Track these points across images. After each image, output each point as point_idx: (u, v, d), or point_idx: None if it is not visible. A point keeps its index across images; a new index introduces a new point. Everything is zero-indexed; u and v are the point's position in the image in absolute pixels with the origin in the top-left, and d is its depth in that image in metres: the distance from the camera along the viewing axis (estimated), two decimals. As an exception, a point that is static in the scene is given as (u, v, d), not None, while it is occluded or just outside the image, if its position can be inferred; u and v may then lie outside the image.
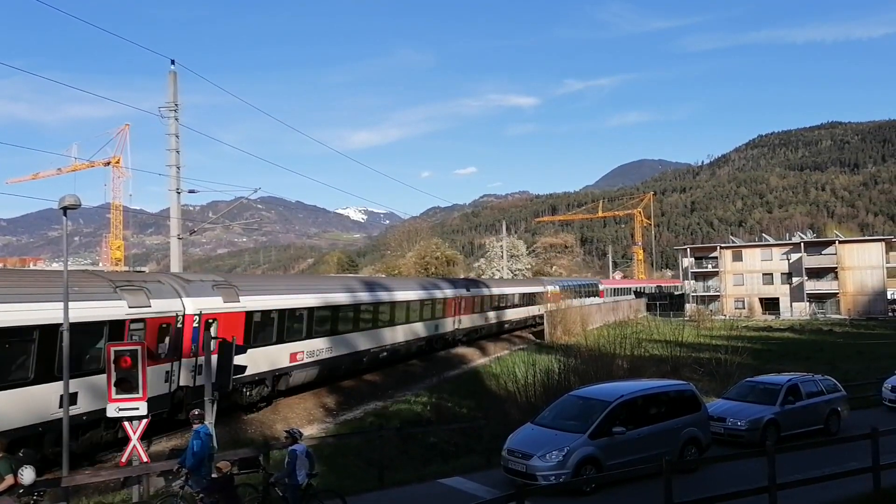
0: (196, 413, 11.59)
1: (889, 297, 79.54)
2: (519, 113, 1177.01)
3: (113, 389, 12.11)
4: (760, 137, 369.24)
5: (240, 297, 20.48)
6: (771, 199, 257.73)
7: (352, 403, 25.96)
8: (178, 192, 25.86)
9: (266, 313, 21.81)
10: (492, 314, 45.91)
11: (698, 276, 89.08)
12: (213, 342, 14.48)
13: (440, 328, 36.92)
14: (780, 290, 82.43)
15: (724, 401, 18.15)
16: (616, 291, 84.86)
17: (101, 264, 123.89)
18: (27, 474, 8.87)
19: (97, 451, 16.19)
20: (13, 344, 13.75)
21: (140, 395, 12.17)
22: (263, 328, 21.56)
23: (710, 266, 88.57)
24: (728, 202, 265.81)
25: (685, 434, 14.05)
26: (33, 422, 13.72)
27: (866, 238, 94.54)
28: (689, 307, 76.84)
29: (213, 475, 10.57)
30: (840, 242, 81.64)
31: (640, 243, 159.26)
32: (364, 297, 28.90)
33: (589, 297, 66.75)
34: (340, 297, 26.78)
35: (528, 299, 54.04)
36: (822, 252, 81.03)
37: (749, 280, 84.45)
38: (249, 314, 20.73)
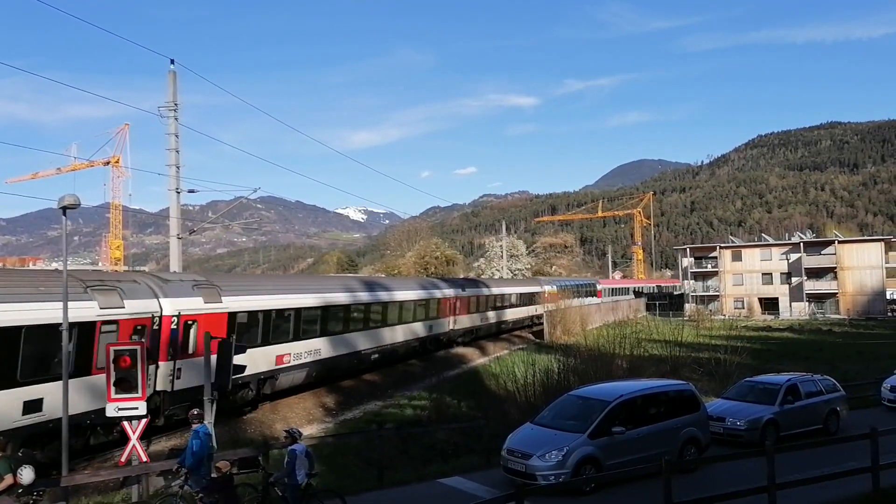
0: (195, 413, 11.59)
1: (888, 297, 79.59)
2: (519, 113, 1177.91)
3: (112, 389, 12.13)
4: (760, 137, 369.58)
5: (222, 298, 19.81)
6: (770, 199, 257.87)
7: (351, 403, 25.97)
8: (178, 192, 25.85)
9: (251, 314, 21.14)
10: (489, 314, 45.41)
11: (698, 276, 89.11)
12: (212, 342, 14.43)
13: (435, 329, 36.32)
14: (780, 290, 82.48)
15: (723, 401, 18.15)
16: (614, 291, 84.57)
17: (100, 264, 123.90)
18: (26, 474, 8.87)
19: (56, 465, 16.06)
20: None
21: (139, 394, 12.18)
22: (248, 330, 20.86)
23: (709, 266, 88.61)
24: (727, 202, 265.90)
25: (684, 434, 14.05)
26: None
27: (865, 238, 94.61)
28: (689, 307, 76.85)
29: (213, 475, 10.58)
30: (839, 242, 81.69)
31: (639, 243, 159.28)
32: (355, 297, 28.20)
33: (587, 297, 66.30)
34: (330, 298, 26.11)
35: (526, 299, 53.61)
36: (822, 252, 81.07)
37: (748, 280, 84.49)
38: (232, 315, 20.06)
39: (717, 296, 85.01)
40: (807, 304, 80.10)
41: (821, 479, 11.84)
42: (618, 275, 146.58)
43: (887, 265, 78.52)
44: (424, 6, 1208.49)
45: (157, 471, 12.63)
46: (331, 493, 11.38)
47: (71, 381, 13.45)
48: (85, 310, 15.34)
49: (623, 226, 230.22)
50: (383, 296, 30.68)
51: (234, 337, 18.99)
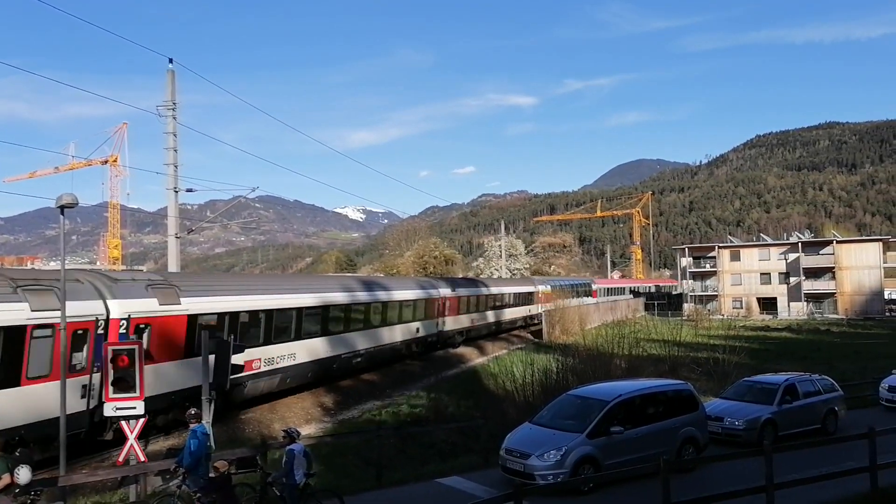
0: (193, 412, 11.58)
1: (886, 296, 79.70)
2: (518, 112, 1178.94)
3: (110, 388, 12.12)
4: (758, 137, 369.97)
5: (181, 299, 18.34)
6: (769, 199, 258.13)
7: (350, 403, 25.95)
8: (176, 191, 25.82)
9: (214, 317, 19.66)
10: (481, 315, 44.36)
11: (696, 276, 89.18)
12: (210, 342, 14.41)
13: (424, 330, 34.95)
14: (778, 290, 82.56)
15: (721, 400, 18.16)
16: (610, 291, 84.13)
17: (98, 263, 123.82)
18: (23, 474, 8.85)
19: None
20: None
21: (137, 394, 12.17)
22: (212, 334, 19.51)
23: (708, 266, 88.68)
24: (726, 202, 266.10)
25: (683, 433, 14.06)
26: None
27: (864, 238, 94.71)
28: (687, 307, 76.93)
29: (211, 475, 10.56)
30: (837, 242, 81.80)
31: (638, 243, 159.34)
32: (333, 298, 26.60)
33: (581, 297, 65.43)
34: (305, 299, 24.50)
35: (520, 299, 52.59)
36: (820, 252, 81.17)
37: (747, 280, 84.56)
38: (193, 318, 18.56)
39: (716, 295, 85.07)
40: (805, 303, 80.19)
41: (819, 478, 11.85)
42: (616, 274, 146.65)
43: (885, 265, 78.62)
44: (424, 6, 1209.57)
45: (154, 470, 12.60)
46: (329, 493, 11.36)
47: None
48: (13, 312, 14.07)
49: (622, 226, 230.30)
50: (367, 296, 29.43)
51: (196, 342, 17.73)
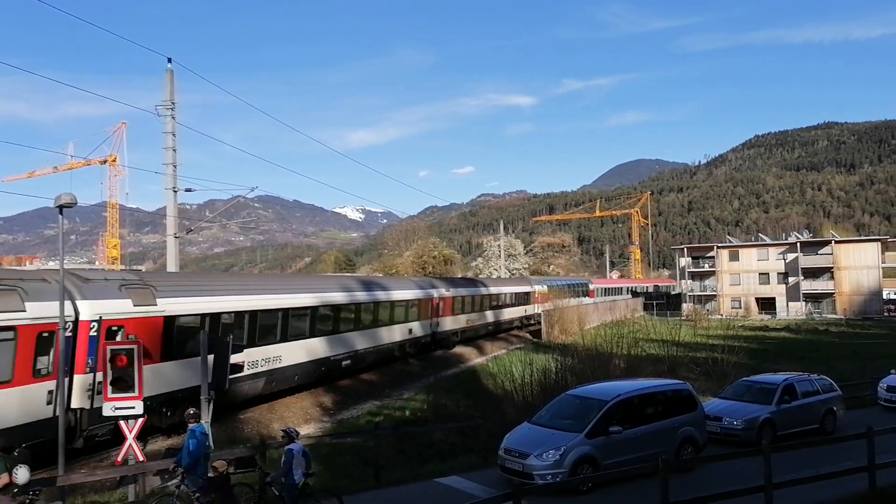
0: (192, 412, 11.57)
1: (885, 296, 79.80)
2: (517, 112, 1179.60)
3: (109, 388, 12.12)
4: (757, 137, 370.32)
5: (157, 300, 17.51)
6: (767, 199, 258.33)
7: (349, 403, 25.95)
8: (175, 191, 25.81)
9: (194, 318, 18.91)
10: (475, 315, 43.63)
11: (695, 276, 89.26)
12: (208, 342, 14.41)
13: (415, 331, 34.17)
14: (777, 290, 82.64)
15: (720, 400, 18.18)
16: (607, 291, 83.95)
17: (97, 263, 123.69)
18: (21, 473, 8.83)
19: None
20: None
21: (136, 393, 12.17)
22: (191, 335, 18.38)
23: (706, 266, 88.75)
24: (725, 202, 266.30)
25: (681, 433, 14.07)
26: None
27: (862, 238, 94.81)
28: (686, 307, 76.98)
29: (210, 474, 10.56)
30: (836, 242, 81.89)
31: (637, 243, 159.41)
32: (322, 298, 25.78)
33: (578, 297, 65.01)
34: (292, 299, 23.74)
35: (516, 299, 51.94)
36: (819, 252, 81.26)
37: (745, 280, 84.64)
38: (170, 319, 17.76)
39: (715, 295, 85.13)
40: (803, 303, 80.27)
41: (817, 478, 11.86)
42: (615, 274, 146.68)
43: (884, 265, 78.74)
44: (424, 6, 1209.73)
45: (153, 470, 12.60)
46: (328, 493, 11.36)
47: None
48: None
49: (621, 225, 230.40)
50: (358, 296, 28.69)
51: (174, 344, 17.52)
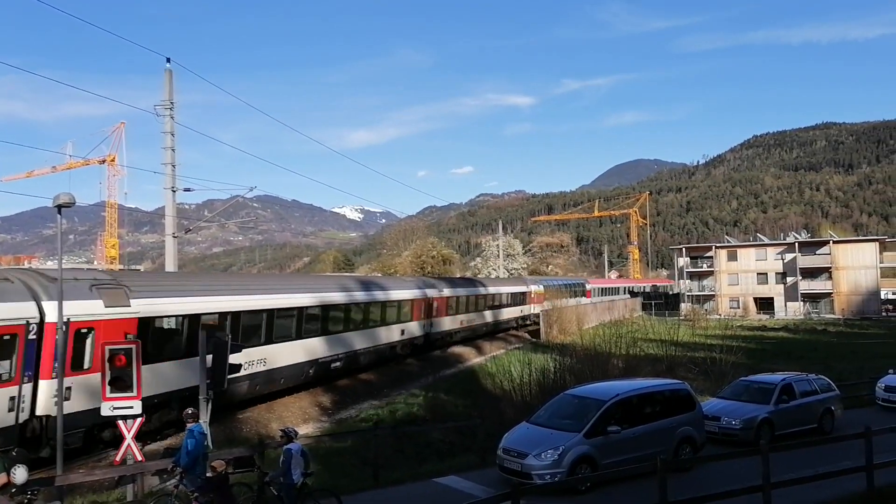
0: (190, 412, 11.57)
1: (882, 296, 79.91)
2: (516, 112, 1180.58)
3: (107, 388, 12.12)
4: (755, 138, 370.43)
5: (132, 301, 16.73)
6: (766, 199, 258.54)
7: (347, 402, 25.94)
8: (174, 191, 25.80)
9: (171, 320, 18.19)
10: (470, 316, 42.83)
11: (693, 276, 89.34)
12: (207, 343, 14.39)
13: (408, 332, 33.39)
14: (775, 290, 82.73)
15: (718, 400, 18.20)
16: (604, 291, 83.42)
17: (96, 263, 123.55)
18: (19, 473, 8.83)
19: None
20: None
21: (134, 393, 12.16)
22: (168, 338, 18.02)
23: (705, 266, 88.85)
24: (723, 202, 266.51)
25: (680, 433, 14.09)
26: None
27: (860, 238, 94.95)
28: (685, 306, 77.04)
29: (208, 474, 10.55)
30: (834, 242, 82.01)
31: (635, 243, 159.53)
32: (310, 298, 24.91)
33: (575, 297, 64.49)
34: (278, 300, 23.02)
35: (512, 299, 51.27)
36: (817, 252, 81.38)
37: (744, 280, 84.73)
38: (145, 321, 17.00)
39: (713, 295, 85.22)
40: (802, 303, 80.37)
41: (815, 478, 11.88)
42: (614, 274, 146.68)
43: (882, 265, 78.88)
44: (423, 6, 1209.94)
45: (152, 470, 12.59)
46: (326, 493, 11.36)
47: None
48: None
49: (619, 225, 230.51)
50: (348, 297, 27.97)
51: (149, 347, 16.11)
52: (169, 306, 18.09)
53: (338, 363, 26.62)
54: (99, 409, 12.61)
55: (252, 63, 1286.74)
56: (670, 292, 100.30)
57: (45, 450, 14.86)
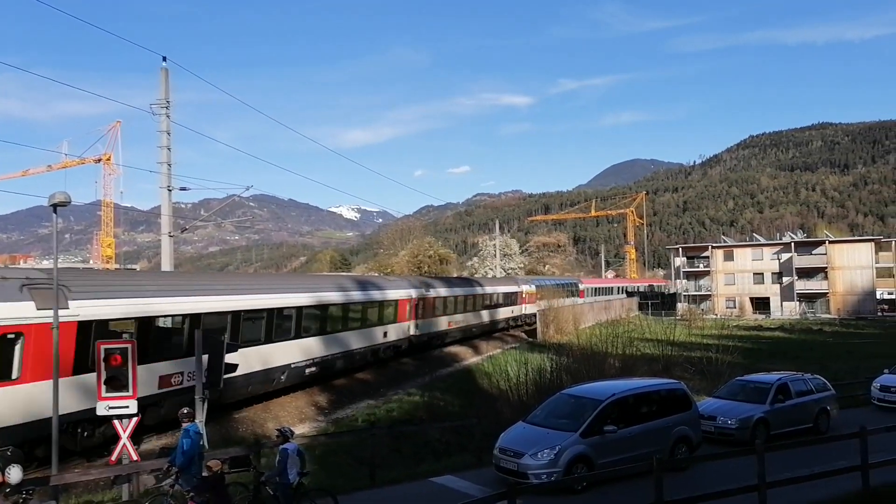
0: (185, 411, 11.54)
1: (878, 296, 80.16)
2: (513, 112, 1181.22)
3: (103, 388, 12.09)
4: (752, 138, 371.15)
5: (70, 302, 15.11)
6: (762, 200, 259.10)
7: (343, 402, 25.91)
8: (170, 190, 25.74)
9: (120, 323, 16.61)
10: (457, 317, 41.13)
11: (690, 276, 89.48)
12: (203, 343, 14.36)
13: (390, 335, 31.91)
14: (771, 290, 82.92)
15: (714, 399, 18.24)
16: (598, 291, 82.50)
17: (91, 262, 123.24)
18: (14, 473, 8.80)
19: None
20: None
21: (130, 393, 12.15)
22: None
23: (701, 266, 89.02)
24: (719, 202, 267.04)
25: (676, 433, 14.11)
26: None
27: (856, 238, 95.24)
28: (681, 306, 77.15)
29: (204, 474, 10.53)
30: (830, 242, 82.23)
31: (632, 243, 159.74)
32: (281, 300, 23.31)
33: (568, 297, 62.71)
34: (246, 301, 21.37)
35: (503, 300, 49.56)
36: (813, 252, 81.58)
37: (740, 280, 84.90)
38: (86, 325, 15.37)
39: (709, 295, 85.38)
40: (797, 303, 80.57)
41: (811, 477, 11.91)
42: (611, 274, 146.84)
43: (877, 265, 79.09)
44: (420, 5, 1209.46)
45: (147, 469, 12.56)
46: (322, 492, 11.35)
47: None
48: None
49: (616, 225, 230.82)
50: (324, 298, 26.31)
51: (91, 353, 14.78)
52: (117, 308, 16.45)
53: (313, 368, 25.11)
54: (35, 422, 12.27)
55: (248, 61, 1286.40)
56: (667, 292, 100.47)
57: None
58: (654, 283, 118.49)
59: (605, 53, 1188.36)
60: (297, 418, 22.82)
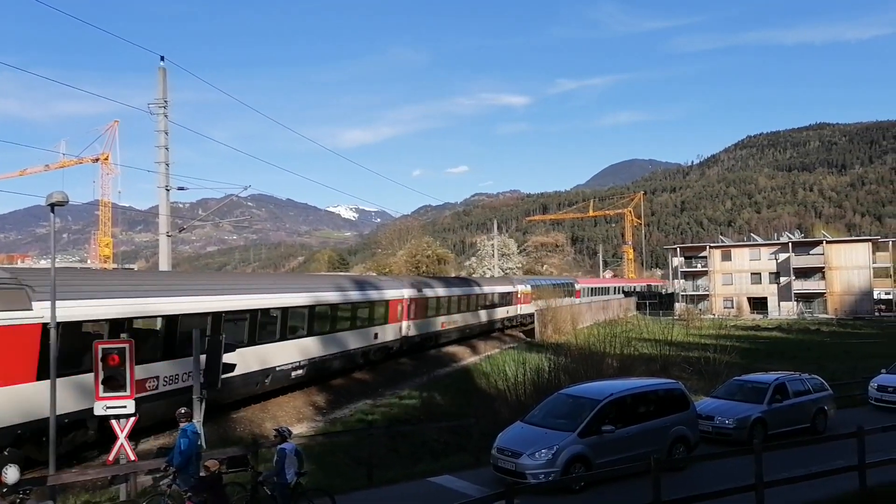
0: (183, 411, 11.53)
1: (875, 296, 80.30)
2: (511, 112, 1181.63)
3: (100, 387, 12.08)
4: (749, 138, 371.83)
5: (34, 303, 14.29)
6: (759, 200, 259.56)
7: (341, 402, 25.90)
8: (168, 190, 25.73)
9: (88, 325, 15.76)
10: (450, 318, 40.31)
11: (688, 276, 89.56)
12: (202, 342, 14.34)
13: (381, 336, 31.13)
14: (769, 290, 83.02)
15: (712, 399, 18.26)
16: (594, 291, 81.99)
17: (89, 262, 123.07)
18: (11, 473, 8.79)
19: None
20: None
21: (128, 392, 12.13)
22: (82, 347, 15.01)
23: (699, 265, 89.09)
24: (717, 202, 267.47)
25: (674, 432, 14.12)
26: None
27: (853, 238, 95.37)
28: (679, 306, 77.21)
29: (202, 474, 10.52)
30: (827, 243, 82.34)
31: (630, 243, 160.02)
32: (265, 300, 22.52)
33: (563, 297, 61.50)
34: (227, 301, 20.51)
35: (497, 300, 48.83)
36: (810, 252, 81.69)
37: (737, 279, 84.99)
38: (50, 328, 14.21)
39: (707, 295, 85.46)
40: (795, 303, 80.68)
41: (808, 477, 11.92)
42: (608, 274, 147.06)
43: (874, 265, 79.22)
44: (418, 4, 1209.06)
45: (145, 469, 12.56)
46: (320, 492, 11.35)
47: None
48: None
49: (614, 225, 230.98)
50: (310, 298, 25.42)
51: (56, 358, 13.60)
52: (87, 310, 15.63)
53: (299, 371, 24.39)
54: None
55: (246, 61, 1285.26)
56: (664, 292, 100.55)
57: None
58: (652, 283, 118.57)
59: (603, 53, 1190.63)
60: (294, 418, 22.80)
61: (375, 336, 30.65)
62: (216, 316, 19.87)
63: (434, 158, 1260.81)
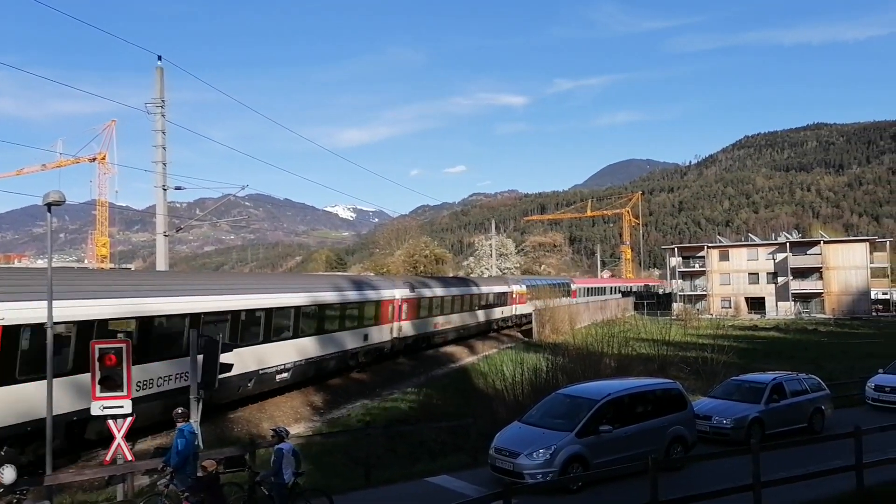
0: (180, 411, 11.52)
1: (873, 296, 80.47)
2: (509, 112, 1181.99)
3: (97, 387, 12.05)
4: (747, 138, 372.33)
5: None
6: (757, 200, 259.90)
7: (339, 402, 25.89)
8: (165, 189, 25.70)
9: (58, 327, 14.53)
10: (444, 319, 39.93)
11: (685, 276, 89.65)
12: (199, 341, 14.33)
13: (372, 337, 30.68)
14: (766, 290, 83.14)
15: (709, 399, 18.27)
16: (590, 291, 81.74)
17: (86, 261, 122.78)
18: (7, 473, 8.76)
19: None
20: None
21: (125, 392, 12.11)
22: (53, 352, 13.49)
23: (697, 265, 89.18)
24: (715, 202, 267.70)
25: (671, 432, 14.13)
26: None
27: (851, 238, 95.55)
28: (676, 306, 77.30)
29: (199, 474, 10.51)
30: (825, 243, 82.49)
31: (628, 242, 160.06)
32: (246, 301, 21.82)
33: (559, 297, 60.57)
34: (204, 302, 19.77)
35: (492, 300, 48.38)
36: (808, 252, 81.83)
37: (735, 279, 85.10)
38: (13, 331, 13.97)
39: (705, 295, 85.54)
40: (793, 303, 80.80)
41: (805, 477, 11.93)
42: (606, 273, 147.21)
43: (872, 265, 79.40)
44: (416, 4, 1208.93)
45: (142, 470, 12.54)
46: (318, 492, 11.34)
47: None
48: None
49: (612, 225, 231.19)
50: (299, 298, 24.69)
51: (19, 362, 14.00)
52: (55, 311, 14.34)
53: (284, 374, 23.80)
54: None
55: (244, 60, 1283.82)
56: (662, 292, 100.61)
57: None
58: (650, 283, 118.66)
59: (601, 53, 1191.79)
60: (292, 418, 22.79)
61: (366, 337, 30.14)
62: (195, 318, 19.06)
63: (432, 158, 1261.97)
